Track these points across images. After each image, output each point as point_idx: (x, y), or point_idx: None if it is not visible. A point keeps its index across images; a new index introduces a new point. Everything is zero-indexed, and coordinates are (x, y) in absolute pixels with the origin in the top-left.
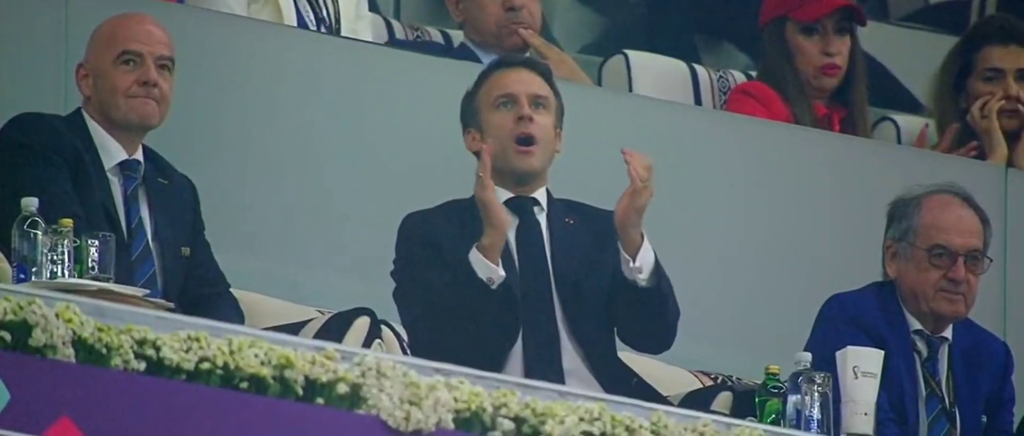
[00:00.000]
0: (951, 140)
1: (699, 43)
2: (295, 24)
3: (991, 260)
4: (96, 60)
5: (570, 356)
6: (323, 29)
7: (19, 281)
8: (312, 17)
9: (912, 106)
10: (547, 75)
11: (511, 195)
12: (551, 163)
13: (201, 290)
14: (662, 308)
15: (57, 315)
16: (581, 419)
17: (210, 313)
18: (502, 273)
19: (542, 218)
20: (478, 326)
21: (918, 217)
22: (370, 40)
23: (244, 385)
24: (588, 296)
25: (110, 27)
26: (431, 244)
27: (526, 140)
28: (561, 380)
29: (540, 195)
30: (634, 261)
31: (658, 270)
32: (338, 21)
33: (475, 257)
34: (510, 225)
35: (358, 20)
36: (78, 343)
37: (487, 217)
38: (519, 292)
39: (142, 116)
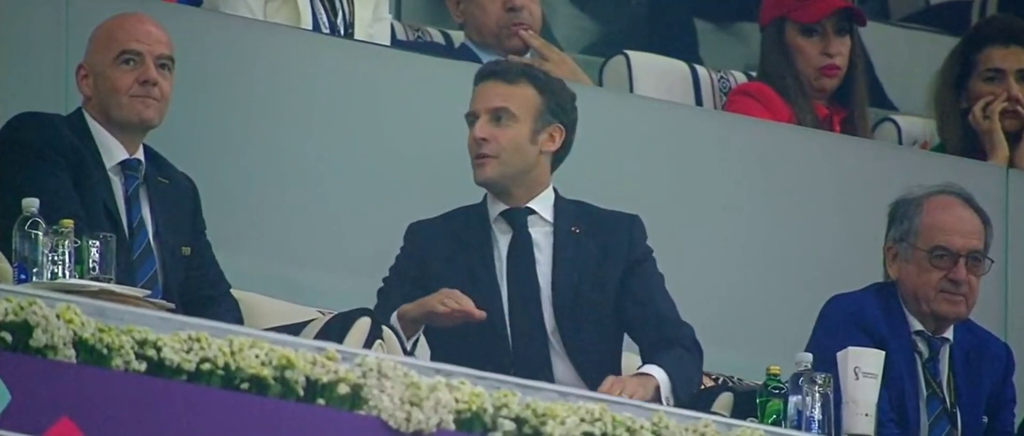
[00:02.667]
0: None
1: (701, 41)
2: (310, 26)
3: (993, 261)
4: (96, 60)
5: (562, 371)
6: (339, 33)
7: (20, 282)
8: (325, 20)
9: (884, 104)
10: (523, 77)
11: (505, 207)
12: (527, 170)
13: (201, 291)
14: (692, 396)
15: (58, 316)
16: (582, 420)
17: (209, 314)
18: (408, 347)
19: (538, 230)
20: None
21: (919, 218)
22: (387, 44)
23: (245, 386)
24: (587, 310)
25: (109, 27)
26: (422, 260)
27: (479, 157)
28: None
29: (538, 203)
30: (662, 402)
31: (675, 385)
32: (352, 25)
33: (394, 318)
34: (433, 317)
35: (376, 23)
36: (79, 344)
37: (429, 299)
38: (507, 307)
39: (142, 116)
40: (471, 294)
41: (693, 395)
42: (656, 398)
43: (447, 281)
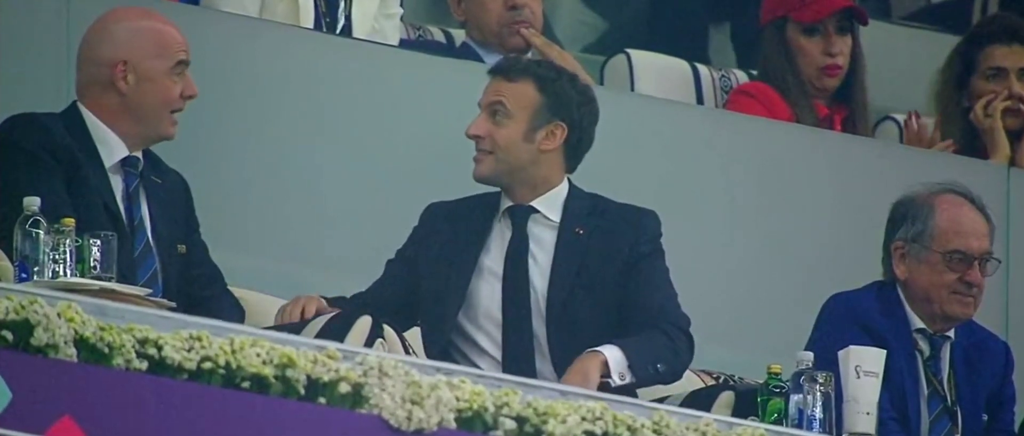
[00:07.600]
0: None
1: (702, 40)
2: (312, 18)
3: (1000, 262)
4: (148, 64)
5: (547, 375)
6: (338, 30)
7: (21, 280)
8: (323, 11)
9: None
10: (526, 74)
11: (510, 203)
12: (524, 168)
13: (198, 290)
14: (660, 378)
15: (59, 314)
16: (583, 418)
17: (207, 313)
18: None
19: (541, 230)
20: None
21: (933, 219)
22: (397, 40)
23: (246, 385)
24: (582, 317)
25: (155, 29)
26: (421, 241)
27: (476, 152)
28: None
29: (543, 202)
30: (613, 380)
31: (632, 362)
32: (350, 20)
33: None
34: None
35: (384, 19)
36: (80, 342)
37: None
38: (500, 306)
39: (170, 132)
40: (446, 281)
41: (660, 375)
42: (605, 373)
43: (433, 264)
